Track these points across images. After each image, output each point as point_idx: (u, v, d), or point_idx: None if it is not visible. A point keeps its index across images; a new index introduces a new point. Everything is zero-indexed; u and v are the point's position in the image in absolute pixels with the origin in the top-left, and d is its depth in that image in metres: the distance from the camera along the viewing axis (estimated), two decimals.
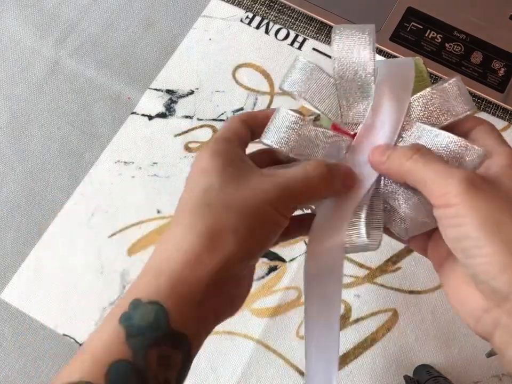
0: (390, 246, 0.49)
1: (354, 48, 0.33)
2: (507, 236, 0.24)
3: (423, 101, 0.32)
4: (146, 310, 0.25)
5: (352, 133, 0.33)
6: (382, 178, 0.32)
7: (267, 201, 0.28)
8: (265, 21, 0.58)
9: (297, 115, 0.32)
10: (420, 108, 0.32)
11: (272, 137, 0.32)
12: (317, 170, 0.30)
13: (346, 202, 0.32)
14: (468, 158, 0.30)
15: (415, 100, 0.32)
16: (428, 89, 0.31)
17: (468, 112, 0.32)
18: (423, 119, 0.32)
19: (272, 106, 0.55)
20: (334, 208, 0.33)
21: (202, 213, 0.27)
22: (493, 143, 0.29)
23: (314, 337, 0.32)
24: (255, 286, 0.48)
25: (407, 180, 0.28)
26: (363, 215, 0.31)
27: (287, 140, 0.32)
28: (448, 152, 0.30)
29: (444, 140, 0.30)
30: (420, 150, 0.28)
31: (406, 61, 0.33)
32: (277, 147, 0.31)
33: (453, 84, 0.32)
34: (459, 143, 0.30)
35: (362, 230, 0.31)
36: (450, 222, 0.27)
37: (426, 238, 0.32)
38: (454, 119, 0.31)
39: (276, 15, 0.59)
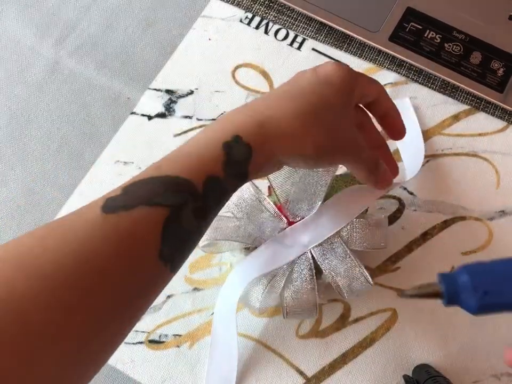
0: (389, 245, 0.49)
1: (322, 168, 0.42)
2: None
3: (349, 226, 0.42)
4: (243, 149, 0.31)
5: (290, 219, 0.43)
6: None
7: (340, 149, 0.35)
8: (264, 21, 0.58)
9: (252, 191, 0.43)
10: (347, 233, 0.42)
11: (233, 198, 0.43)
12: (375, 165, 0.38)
13: (252, 269, 0.42)
14: (354, 284, 0.42)
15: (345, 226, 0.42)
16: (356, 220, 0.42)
17: (382, 245, 0.44)
18: (348, 240, 0.42)
19: None
20: (244, 270, 0.42)
21: (313, 113, 0.33)
22: None
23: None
24: None
25: None
26: (265, 282, 0.41)
27: (236, 204, 0.43)
28: (344, 274, 0.41)
29: (344, 267, 0.42)
30: None
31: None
32: (231, 207, 0.43)
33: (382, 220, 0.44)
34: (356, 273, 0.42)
35: (258, 294, 0.41)
36: None
37: None
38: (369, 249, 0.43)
39: (276, 15, 0.59)
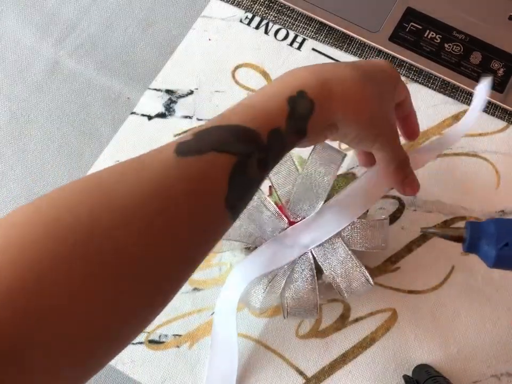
0: (389, 245, 0.49)
1: (323, 168, 0.42)
2: None
3: (350, 226, 0.42)
4: (307, 104, 0.32)
5: (291, 219, 0.43)
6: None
7: (379, 134, 0.36)
8: (264, 21, 0.58)
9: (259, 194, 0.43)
10: (347, 233, 0.42)
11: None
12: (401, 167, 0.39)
13: (252, 269, 0.42)
14: (355, 284, 0.42)
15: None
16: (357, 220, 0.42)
17: (383, 246, 0.44)
18: (349, 240, 0.42)
19: None
20: (244, 270, 0.42)
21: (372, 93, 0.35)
22: None
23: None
24: None
25: None
26: (265, 282, 0.42)
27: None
28: (341, 270, 0.42)
29: (344, 263, 0.42)
30: None
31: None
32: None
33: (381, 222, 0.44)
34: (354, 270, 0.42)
35: (259, 294, 0.42)
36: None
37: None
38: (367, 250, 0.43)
39: (276, 15, 0.59)
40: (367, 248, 0.42)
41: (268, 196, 0.44)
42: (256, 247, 0.43)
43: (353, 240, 0.42)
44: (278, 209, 0.43)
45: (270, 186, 0.45)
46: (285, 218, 0.43)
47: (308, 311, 0.42)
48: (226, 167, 0.28)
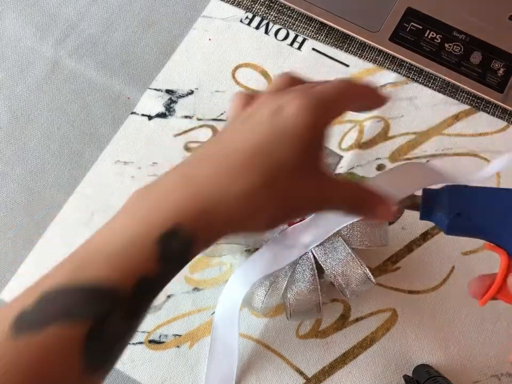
0: (390, 246, 0.49)
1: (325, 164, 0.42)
2: None
3: (350, 225, 0.42)
4: (184, 241, 0.25)
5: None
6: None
7: (311, 204, 0.28)
8: (265, 21, 0.58)
9: None
10: (347, 231, 0.42)
11: None
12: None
13: (254, 271, 0.41)
14: (356, 282, 0.42)
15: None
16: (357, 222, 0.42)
17: (383, 243, 0.44)
18: (349, 239, 0.42)
19: None
20: (246, 272, 0.42)
21: (263, 184, 0.26)
22: None
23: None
24: None
25: None
26: (267, 284, 0.42)
27: None
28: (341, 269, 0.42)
29: (343, 263, 0.42)
30: None
31: None
32: None
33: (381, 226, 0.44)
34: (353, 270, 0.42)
35: (261, 296, 0.41)
36: None
37: None
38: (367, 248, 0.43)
39: (276, 15, 0.59)
40: (368, 246, 0.42)
41: None
42: (256, 249, 0.43)
43: (353, 238, 0.42)
44: None
45: None
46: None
47: (311, 311, 0.42)
48: (77, 338, 0.23)
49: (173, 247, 0.25)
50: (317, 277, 0.42)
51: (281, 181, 0.27)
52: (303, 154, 0.27)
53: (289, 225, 0.43)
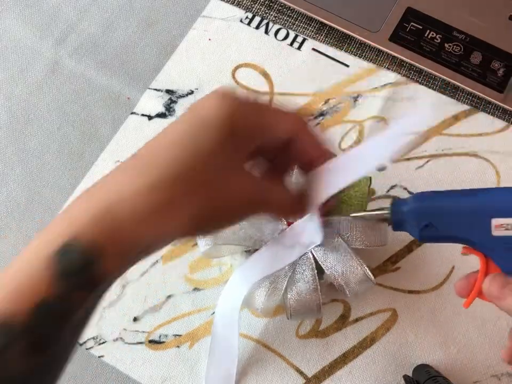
0: (390, 246, 0.49)
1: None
2: None
3: (350, 225, 0.42)
4: (82, 252, 0.23)
5: (290, 220, 0.43)
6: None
7: (241, 205, 0.27)
8: (264, 21, 0.58)
9: None
10: (347, 231, 0.42)
11: None
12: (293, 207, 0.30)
13: (254, 271, 0.41)
14: (356, 282, 0.42)
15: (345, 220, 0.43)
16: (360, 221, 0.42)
17: (383, 242, 0.43)
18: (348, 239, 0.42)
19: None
20: (246, 273, 0.42)
21: (171, 184, 0.25)
22: None
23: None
24: None
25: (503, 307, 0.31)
26: (267, 284, 0.41)
27: None
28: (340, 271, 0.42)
29: (345, 266, 0.42)
30: None
31: None
32: None
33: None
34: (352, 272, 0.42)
35: (261, 296, 0.41)
36: None
37: None
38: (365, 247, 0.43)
39: (276, 15, 0.59)
40: (368, 246, 0.42)
41: None
42: (256, 250, 0.43)
43: (353, 238, 0.42)
44: None
45: None
46: (283, 219, 0.43)
47: (311, 311, 0.42)
48: None
49: (72, 261, 0.23)
50: (317, 277, 0.42)
51: (205, 172, 0.25)
52: (217, 147, 0.25)
53: (288, 226, 0.43)
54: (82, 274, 0.23)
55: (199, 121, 0.26)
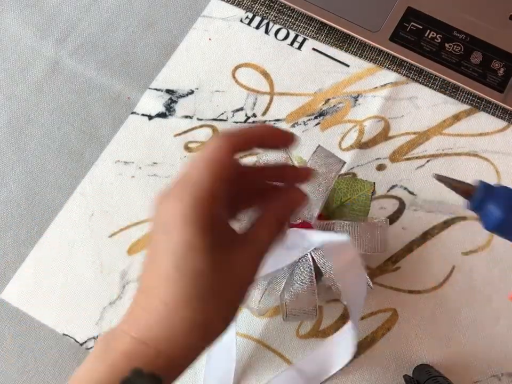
0: (390, 246, 0.49)
1: (323, 172, 0.42)
2: None
3: (350, 229, 0.42)
4: (147, 383, 0.26)
5: (291, 222, 0.42)
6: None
7: (249, 282, 0.29)
8: (265, 21, 0.58)
9: None
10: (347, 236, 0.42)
11: None
12: (272, 237, 0.30)
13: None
14: None
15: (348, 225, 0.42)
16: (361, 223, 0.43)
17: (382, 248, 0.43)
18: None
19: (272, 106, 0.55)
20: None
21: (198, 307, 0.27)
22: None
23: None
24: None
25: None
26: (265, 284, 0.41)
27: None
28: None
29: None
30: None
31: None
32: None
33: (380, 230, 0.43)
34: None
35: (258, 296, 0.41)
36: None
37: None
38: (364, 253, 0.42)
39: (276, 15, 0.59)
40: (367, 251, 0.42)
41: None
42: None
43: (353, 243, 0.42)
44: None
45: None
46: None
47: (307, 314, 0.42)
48: None
49: None
50: (315, 280, 0.42)
51: (206, 291, 0.27)
52: (200, 252, 0.27)
53: (291, 227, 0.43)
54: None
55: (162, 229, 0.27)
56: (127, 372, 0.26)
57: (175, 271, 0.27)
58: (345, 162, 0.43)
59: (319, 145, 0.43)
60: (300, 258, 0.42)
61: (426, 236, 0.50)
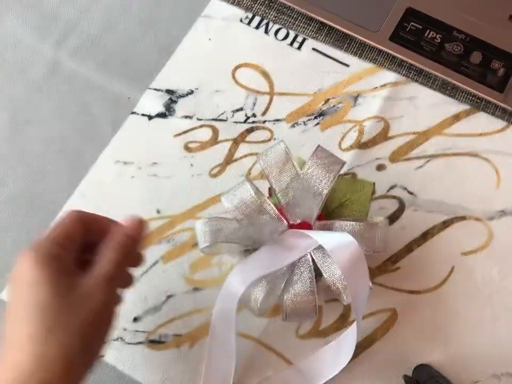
0: (390, 246, 0.49)
1: (322, 172, 0.42)
2: None
3: (350, 229, 0.42)
4: None
5: (290, 222, 0.43)
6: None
7: (103, 304, 0.31)
8: (264, 21, 0.58)
9: (253, 194, 0.42)
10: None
11: (229, 202, 0.43)
12: (116, 253, 0.34)
13: (252, 271, 0.41)
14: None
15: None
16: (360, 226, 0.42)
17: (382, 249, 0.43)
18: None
19: (272, 106, 0.55)
20: (243, 272, 0.42)
21: (47, 340, 0.29)
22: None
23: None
24: None
25: None
26: (265, 284, 0.41)
27: (237, 207, 0.43)
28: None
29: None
30: None
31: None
32: (232, 210, 0.42)
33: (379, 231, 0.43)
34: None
35: (258, 296, 0.41)
36: None
37: None
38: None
39: (276, 15, 0.59)
40: (366, 252, 0.42)
41: (267, 198, 0.44)
42: (255, 249, 0.43)
43: None
44: (277, 212, 0.43)
45: (269, 188, 0.45)
46: (284, 220, 0.43)
47: (307, 314, 0.42)
48: None
49: None
50: (315, 280, 0.42)
51: (52, 323, 0.30)
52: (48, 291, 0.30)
53: (289, 227, 0.43)
54: None
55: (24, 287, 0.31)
56: None
57: (23, 310, 0.30)
58: (345, 162, 0.43)
59: (318, 145, 0.43)
60: (299, 259, 0.42)
61: (426, 236, 0.50)
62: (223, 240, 0.42)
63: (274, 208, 0.43)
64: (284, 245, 0.42)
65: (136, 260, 0.38)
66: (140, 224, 0.37)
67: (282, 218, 0.43)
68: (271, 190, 0.45)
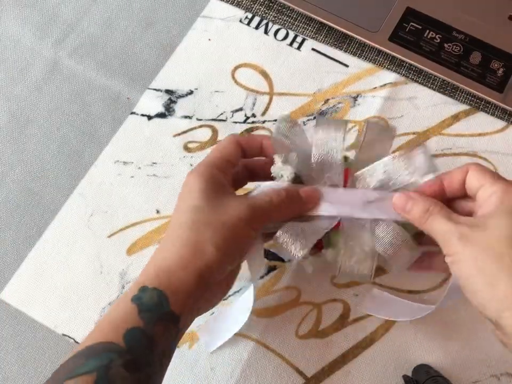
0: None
1: (330, 137, 0.42)
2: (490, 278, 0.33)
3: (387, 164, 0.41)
4: (152, 293, 0.32)
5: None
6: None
7: (240, 219, 0.35)
8: (264, 21, 0.59)
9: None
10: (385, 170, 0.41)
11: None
12: (279, 198, 0.38)
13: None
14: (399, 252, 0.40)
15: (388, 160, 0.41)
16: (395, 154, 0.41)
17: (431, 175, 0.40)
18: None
19: (272, 107, 0.55)
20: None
21: (189, 228, 0.35)
22: (486, 183, 0.35)
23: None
24: None
25: (424, 230, 0.37)
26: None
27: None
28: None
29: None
30: (433, 211, 0.36)
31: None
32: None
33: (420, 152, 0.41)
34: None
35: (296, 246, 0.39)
36: (453, 267, 0.35)
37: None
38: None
39: (275, 15, 0.59)
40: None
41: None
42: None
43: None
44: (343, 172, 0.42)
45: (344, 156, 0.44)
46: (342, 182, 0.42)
47: (363, 277, 0.40)
48: None
49: (146, 298, 0.32)
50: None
51: (197, 218, 0.35)
52: (210, 190, 0.37)
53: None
54: (156, 310, 0.32)
55: (187, 189, 0.38)
56: (136, 291, 0.33)
57: (176, 211, 0.37)
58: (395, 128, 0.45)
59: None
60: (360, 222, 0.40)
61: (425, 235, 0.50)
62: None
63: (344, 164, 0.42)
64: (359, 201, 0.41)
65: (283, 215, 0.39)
66: (315, 199, 0.39)
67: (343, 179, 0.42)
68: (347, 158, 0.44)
